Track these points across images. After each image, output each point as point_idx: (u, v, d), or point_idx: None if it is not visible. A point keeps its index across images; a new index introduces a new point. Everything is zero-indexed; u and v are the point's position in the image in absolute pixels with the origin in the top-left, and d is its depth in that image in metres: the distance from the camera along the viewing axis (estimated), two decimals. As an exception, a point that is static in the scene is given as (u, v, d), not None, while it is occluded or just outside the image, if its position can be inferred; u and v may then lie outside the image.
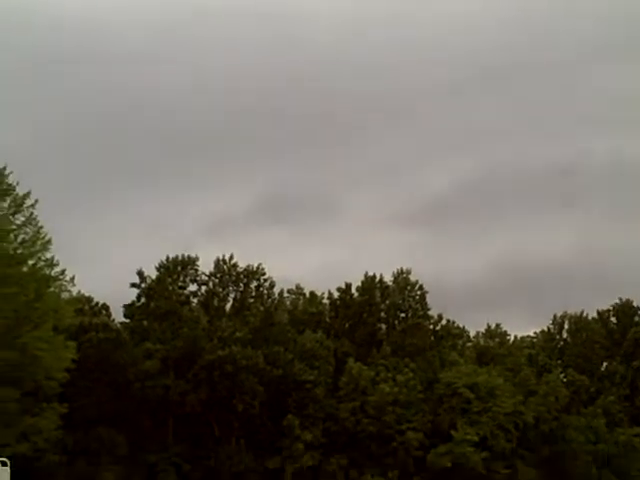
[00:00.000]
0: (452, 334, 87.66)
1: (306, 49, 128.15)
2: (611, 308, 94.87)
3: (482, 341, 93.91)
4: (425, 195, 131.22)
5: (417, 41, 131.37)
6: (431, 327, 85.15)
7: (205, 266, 79.54)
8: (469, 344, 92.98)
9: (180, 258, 78.39)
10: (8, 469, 20.89)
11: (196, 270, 79.29)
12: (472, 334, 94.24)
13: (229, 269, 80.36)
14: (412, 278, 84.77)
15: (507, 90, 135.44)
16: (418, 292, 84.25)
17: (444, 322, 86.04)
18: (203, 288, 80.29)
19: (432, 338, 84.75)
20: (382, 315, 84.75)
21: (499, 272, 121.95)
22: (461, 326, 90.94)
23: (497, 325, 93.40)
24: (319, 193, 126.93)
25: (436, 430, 75.90)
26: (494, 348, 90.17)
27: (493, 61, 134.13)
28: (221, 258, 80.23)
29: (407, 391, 75.55)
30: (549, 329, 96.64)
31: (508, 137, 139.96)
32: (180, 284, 78.73)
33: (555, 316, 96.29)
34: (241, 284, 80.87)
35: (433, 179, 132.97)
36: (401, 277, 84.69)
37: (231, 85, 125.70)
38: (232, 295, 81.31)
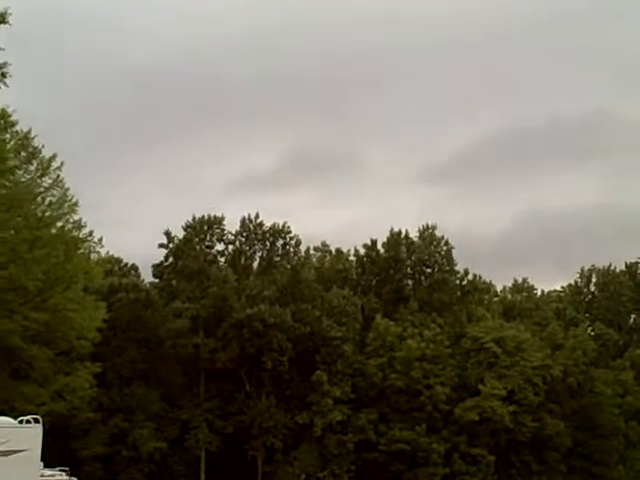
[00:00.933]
0: (479, 289, 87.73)
1: (321, 7, 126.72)
2: (639, 260, 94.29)
3: (509, 296, 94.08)
4: (450, 149, 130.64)
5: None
6: (457, 282, 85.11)
7: (231, 225, 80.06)
8: (496, 299, 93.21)
9: (206, 218, 78.84)
10: (41, 426, 21.44)
11: (222, 229, 79.77)
12: (499, 289, 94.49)
13: (255, 228, 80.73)
14: (438, 233, 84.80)
15: (537, 39, 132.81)
16: (444, 247, 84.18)
17: (470, 277, 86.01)
18: (230, 247, 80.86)
19: (458, 293, 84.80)
20: (408, 271, 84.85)
21: (525, 226, 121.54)
22: (488, 281, 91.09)
23: (524, 280, 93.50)
24: (344, 150, 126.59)
25: (463, 384, 76.49)
26: (521, 303, 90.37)
27: (520, 12, 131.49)
28: (247, 217, 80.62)
29: (434, 346, 76.00)
30: (576, 283, 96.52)
31: (535, 88, 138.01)
32: (207, 243, 79.28)
33: (582, 269, 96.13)
34: (267, 243, 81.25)
35: (457, 133, 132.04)
36: (427, 233, 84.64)
37: (256, 44, 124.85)
38: (259, 254, 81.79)
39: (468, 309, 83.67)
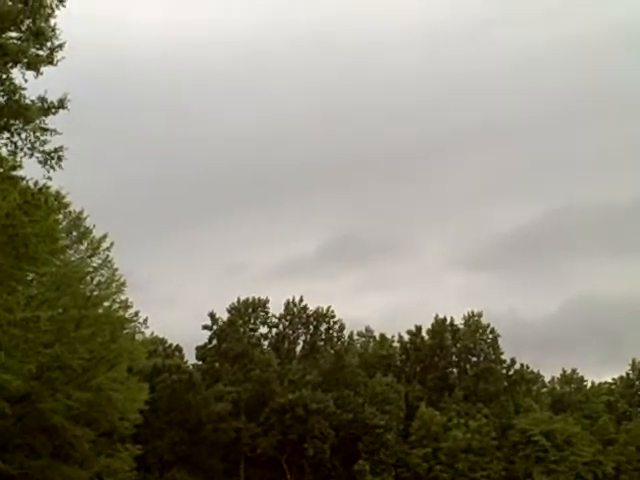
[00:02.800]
0: (526, 379, 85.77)
1: (364, 93, 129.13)
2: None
3: (558, 387, 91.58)
4: (494, 236, 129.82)
5: (477, 76, 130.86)
6: (504, 372, 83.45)
7: (275, 308, 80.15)
8: (544, 390, 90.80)
9: (251, 300, 79.11)
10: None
11: (267, 312, 79.92)
12: (547, 379, 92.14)
13: (299, 311, 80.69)
14: (483, 321, 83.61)
15: (579, 125, 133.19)
16: (490, 335, 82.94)
17: (517, 366, 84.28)
18: (274, 330, 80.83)
19: (505, 383, 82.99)
20: (453, 359, 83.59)
21: (573, 315, 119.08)
22: (535, 371, 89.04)
23: (573, 370, 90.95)
24: (388, 236, 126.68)
25: (511, 479, 73.97)
26: (570, 394, 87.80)
27: (565, 99, 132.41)
28: (291, 300, 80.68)
29: (480, 437, 74.03)
30: (628, 375, 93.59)
31: (582, 175, 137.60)
32: (251, 326, 79.35)
33: (634, 361, 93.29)
34: (311, 327, 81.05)
35: (502, 220, 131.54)
36: (472, 320, 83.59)
37: (301, 130, 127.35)
38: (302, 338, 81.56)
39: (515, 399, 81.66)
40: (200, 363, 78.31)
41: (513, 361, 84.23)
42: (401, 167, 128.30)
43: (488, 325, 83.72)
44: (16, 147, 25.46)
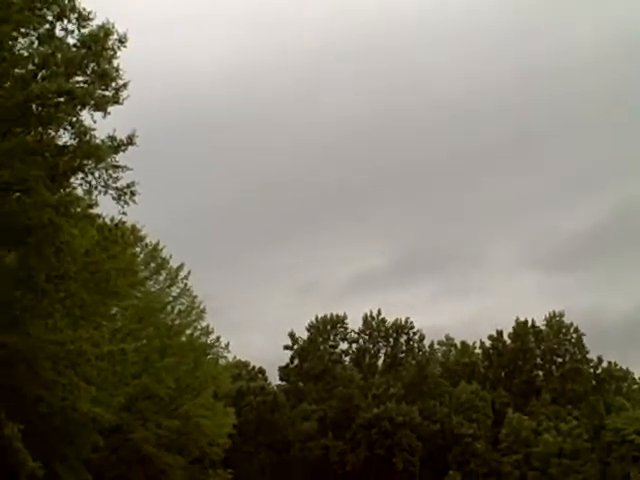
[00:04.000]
0: (615, 377, 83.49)
1: (429, 94, 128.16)
2: None
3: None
4: (567, 235, 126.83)
5: (545, 74, 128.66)
6: (591, 371, 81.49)
7: (354, 323, 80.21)
8: (635, 387, 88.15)
9: (329, 317, 79.40)
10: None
11: (345, 328, 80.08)
12: (637, 375, 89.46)
13: (378, 325, 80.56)
14: (566, 321, 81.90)
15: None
16: (574, 335, 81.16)
17: (605, 365, 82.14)
18: (354, 346, 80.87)
19: (594, 382, 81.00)
20: (538, 361, 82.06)
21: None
22: (624, 368, 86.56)
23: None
24: (458, 242, 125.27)
25: (608, 480, 72.07)
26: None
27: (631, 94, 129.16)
28: (369, 314, 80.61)
29: (572, 440, 72.30)
30: None
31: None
32: (331, 343, 79.61)
33: None
34: (391, 339, 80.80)
35: (576, 218, 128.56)
36: (554, 320, 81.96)
37: (371, 142, 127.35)
38: (383, 351, 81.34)
39: (606, 399, 79.51)
40: (283, 383, 78.89)
41: (600, 359, 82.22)
42: (466, 171, 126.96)
43: (571, 324, 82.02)
44: (90, 186, 26.23)
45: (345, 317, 79.71)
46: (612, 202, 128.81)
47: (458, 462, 71.07)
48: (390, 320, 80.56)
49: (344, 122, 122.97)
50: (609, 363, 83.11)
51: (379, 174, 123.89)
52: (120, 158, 26.35)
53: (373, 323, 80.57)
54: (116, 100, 25.73)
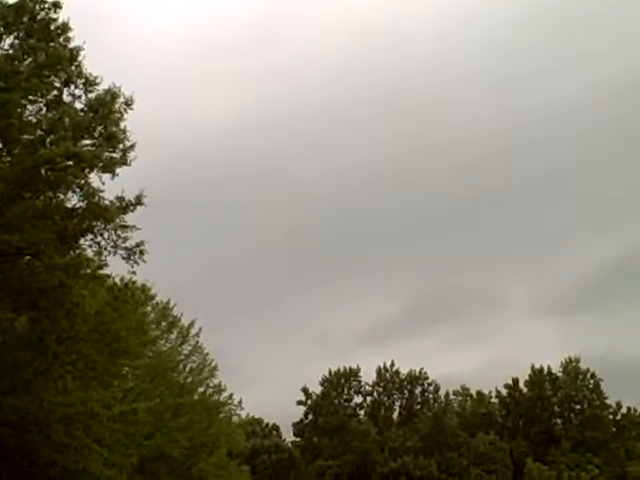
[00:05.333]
0: (635, 422, 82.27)
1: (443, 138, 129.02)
2: None
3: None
4: (581, 277, 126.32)
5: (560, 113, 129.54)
6: (611, 417, 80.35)
7: (367, 375, 79.63)
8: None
9: (342, 370, 78.89)
10: None
11: (359, 381, 79.58)
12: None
13: (392, 376, 79.99)
14: (582, 366, 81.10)
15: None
16: (591, 381, 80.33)
17: (624, 410, 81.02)
18: (368, 399, 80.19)
19: (613, 429, 79.82)
20: (556, 409, 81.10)
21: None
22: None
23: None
24: (471, 289, 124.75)
25: (632, 529, 70.56)
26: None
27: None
28: (382, 366, 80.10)
29: (595, 489, 71.07)
30: None
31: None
32: (345, 397, 78.98)
33: None
34: (406, 391, 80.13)
35: (586, 260, 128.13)
36: (570, 366, 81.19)
37: (384, 190, 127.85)
38: (398, 403, 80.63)
39: (626, 446, 78.28)
40: (298, 439, 78.08)
41: (619, 405, 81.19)
42: (477, 215, 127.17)
43: (588, 370, 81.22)
44: (100, 247, 26.45)
45: (359, 370, 79.30)
46: (626, 242, 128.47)
47: (479, 515, 69.88)
48: (404, 371, 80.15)
49: (356, 171, 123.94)
50: (628, 409, 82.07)
51: (391, 222, 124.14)
52: (129, 218, 26.64)
53: (387, 375, 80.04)
54: (124, 161, 26.12)
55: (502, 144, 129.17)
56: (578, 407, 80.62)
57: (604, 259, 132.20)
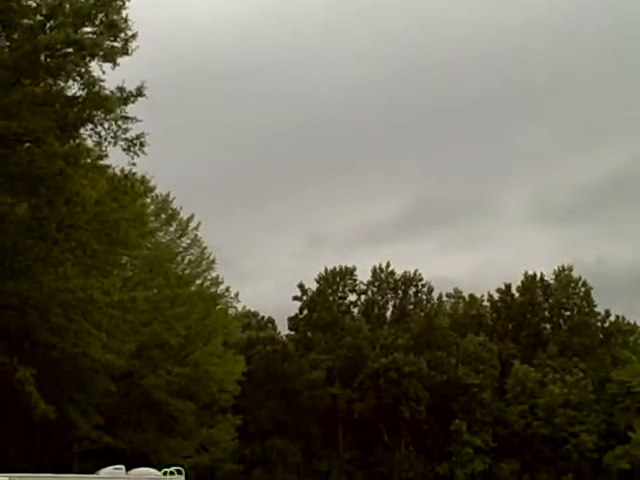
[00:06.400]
0: (622, 330, 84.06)
1: (446, 47, 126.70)
2: None
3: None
4: (578, 186, 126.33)
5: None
6: (599, 324, 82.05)
7: (363, 275, 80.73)
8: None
9: (338, 269, 79.96)
10: (183, 477, 22.32)
11: (355, 280, 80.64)
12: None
13: (387, 277, 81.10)
14: (574, 274, 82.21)
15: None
16: (582, 289, 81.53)
17: (612, 318, 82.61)
18: (363, 297, 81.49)
19: (601, 336, 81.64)
20: (546, 314, 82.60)
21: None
22: (632, 322, 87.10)
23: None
24: (469, 194, 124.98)
25: (611, 431, 73.03)
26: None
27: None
28: (378, 266, 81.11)
29: (578, 392, 73.22)
30: None
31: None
32: (340, 294, 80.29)
33: None
34: (400, 291, 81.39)
35: (585, 169, 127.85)
36: (562, 274, 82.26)
37: (386, 93, 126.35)
38: (391, 302, 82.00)
39: (612, 352, 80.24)
40: (293, 333, 79.86)
41: (608, 313, 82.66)
42: (479, 121, 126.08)
43: (579, 278, 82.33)
44: (100, 137, 26.56)
45: (354, 269, 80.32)
46: (625, 153, 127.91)
47: (464, 411, 72.17)
48: (399, 272, 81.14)
49: (359, 73, 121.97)
50: (617, 317, 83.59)
51: (393, 125, 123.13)
52: (129, 109, 26.61)
53: (382, 275, 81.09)
54: (125, 51, 25.90)
55: (506, 45, 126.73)
56: (568, 314, 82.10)
57: (604, 169, 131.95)
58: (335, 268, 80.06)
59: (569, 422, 71.74)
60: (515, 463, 71.76)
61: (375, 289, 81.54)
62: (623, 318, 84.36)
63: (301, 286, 79.33)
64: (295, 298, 79.22)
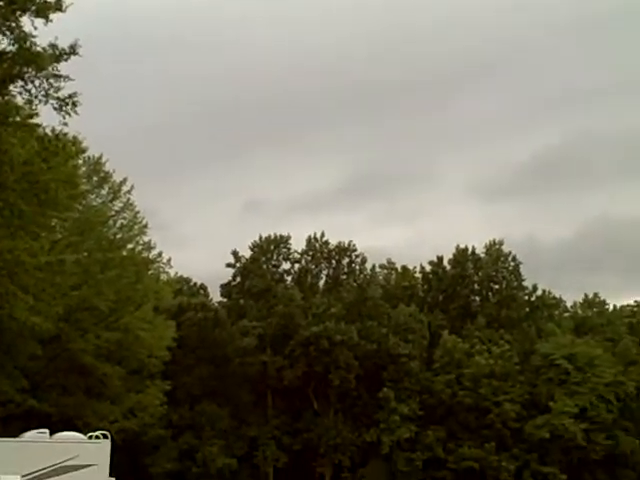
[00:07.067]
0: (548, 304, 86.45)
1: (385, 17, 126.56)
2: None
3: (580, 311, 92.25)
4: (512, 164, 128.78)
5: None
6: (526, 298, 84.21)
7: (297, 244, 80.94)
8: (566, 314, 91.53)
9: (273, 237, 79.92)
10: (109, 441, 22.21)
11: (289, 249, 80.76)
12: (569, 304, 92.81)
13: (321, 247, 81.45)
14: (505, 249, 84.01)
15: (602, 44, 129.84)
16: (511, 263, 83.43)
17: (539, 292, 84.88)
18: (296, 266, 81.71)
19: (527, 309, 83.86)
20: (475, 287, 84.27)
21: (593, 238, 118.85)
22: (557, 296, 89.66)
23: (595, 294, 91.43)
24: (406, 167, 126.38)
25: (534, 402, 75.36)
26: (592, 318, 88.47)
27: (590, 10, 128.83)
28: (312, 236, 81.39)
29: (503, 363, 75.18)
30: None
31: (599, 98, 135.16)
32: (274, 263, 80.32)
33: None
34: (333, 261, 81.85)
35: (522, 146, 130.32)
36: (493, 248, 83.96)
37: (323, 61, 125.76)
38: (325, 272, 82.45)
39: (538, 325, 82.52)
40: (225, 300, 79.70)
41: (535, 287, 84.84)
42: (417, 96, 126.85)
43: (509, 253, 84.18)
44: (31, 95, 25.88)
45: (289, 238, 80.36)
46: (559, 133, 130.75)
47: (392, 380, 73.36)
48: (333, 242, 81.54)
49: (298, 40, 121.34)
50: (543, 291, 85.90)
51: (330, 93, 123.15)
52: (62, 68, 25.96)
53: (316, 245, 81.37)
54: (58, 7, 25.24)
55: (447, 14, 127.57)
56: (496, 287, 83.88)
57: (538, 148, 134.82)
58: (270, 236, 79.99)
59: (493, 392, 73.63)
60: (440, 431, 73.43)
61: (309, 258, 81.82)
62: (549, 292, 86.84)
63: (235, 253, 79.12)
64: (228, 265, 79.01)
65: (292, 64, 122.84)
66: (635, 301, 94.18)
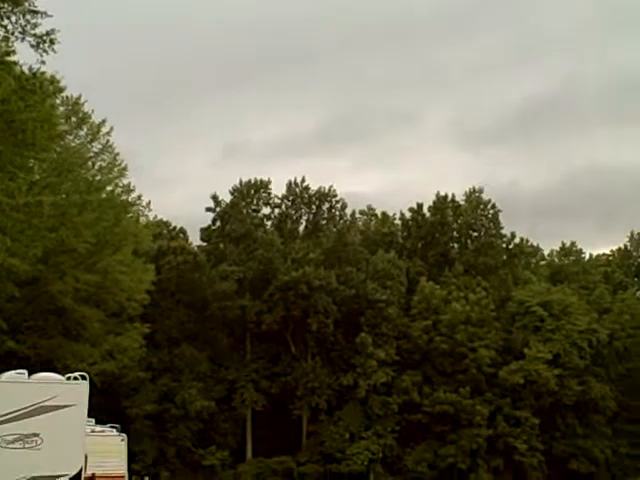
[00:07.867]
0: (525, 252, 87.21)
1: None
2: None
3: (556, 259, 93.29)
4: (497, 109, 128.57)
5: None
6: (504, 246, 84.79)
7: (277, 188, 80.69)
8: (543, 262, 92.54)
9: (253, 182, 79.56)
10: (87, 382, 22.25)
11: (269, 193, 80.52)
12: (546, 252, 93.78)
13: (301, 192, 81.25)
14: (484, 197, 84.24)
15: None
16: (491, 211, 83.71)
17: (517, 240, 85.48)
18: (276, 211, 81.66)
19: (505, 257, 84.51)
20: (454, 234, 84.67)
21: (574, 186, 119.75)
22: (535, 244, 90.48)
23: (572, 243, 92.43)
24: (389, 112, 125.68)
25: (508, 348, 76.55)
26: (568, 266, 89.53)
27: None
28: (293, 181, 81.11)
29: (479, 309, 76.04)
30: (626, 247, 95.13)
31: (586, 43, 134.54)
32: (254, 207, 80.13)
33: (632, 233, 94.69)
34: (313, 206, 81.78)
35: (507, 92, 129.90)
36: (473, 196, 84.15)
37: (304, 3, 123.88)
38: (305, 217, 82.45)
39: (514, 273, 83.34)
40: (204, 244, 79.56)
41: (513, 235, 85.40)
42: (401, 39, 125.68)
43: (489, 201, 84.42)
44: (7, 31, 25.24)
45: (269, 182, 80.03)
46: (546, 79, 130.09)
47: (370, 325, 74.01)
48: (313, 187, 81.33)
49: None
50: (521, 239, 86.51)
51: (313, 37, 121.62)
52: (39, 3, 25.32)
53: (296, 190, 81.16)
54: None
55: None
56: (475, 234, 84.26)
57: (525, 93, 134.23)
58: (250, 180, 79.62)
59: (469, 338, 74.59)
60: (416, 375, 74.48)
61: (289, 203, 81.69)
62: (527, 240, 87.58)
63: (215, 197, 78.79)
64: (208, 209, 78.72)
65: (277, 8, 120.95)
66: (611, 250, 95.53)
